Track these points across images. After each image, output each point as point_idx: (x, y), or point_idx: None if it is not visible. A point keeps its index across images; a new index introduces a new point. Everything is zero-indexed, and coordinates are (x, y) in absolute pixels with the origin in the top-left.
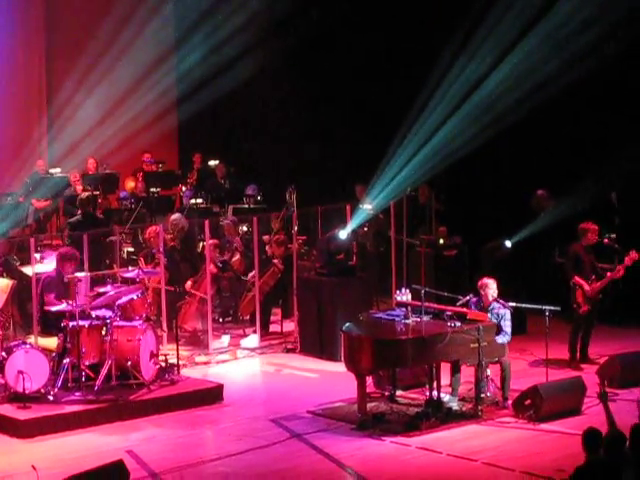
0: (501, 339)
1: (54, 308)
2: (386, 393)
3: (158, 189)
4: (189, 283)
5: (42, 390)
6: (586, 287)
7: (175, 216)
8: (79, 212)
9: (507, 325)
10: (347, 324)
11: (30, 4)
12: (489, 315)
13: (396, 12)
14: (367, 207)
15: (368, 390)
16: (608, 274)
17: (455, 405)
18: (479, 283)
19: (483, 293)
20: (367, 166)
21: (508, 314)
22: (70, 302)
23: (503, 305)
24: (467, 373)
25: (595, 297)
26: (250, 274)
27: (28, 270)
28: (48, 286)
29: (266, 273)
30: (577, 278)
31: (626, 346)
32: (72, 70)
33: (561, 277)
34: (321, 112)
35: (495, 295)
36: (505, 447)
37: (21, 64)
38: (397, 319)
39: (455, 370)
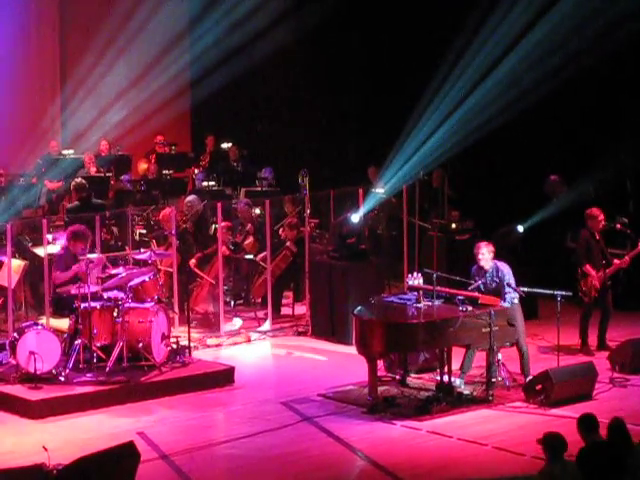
0: (509, 299)
1: (63, 286)
2: (397, 377)
3: (171, 171)
4: (193, 261)
5: (53, 371)
6: (594, 278)
7: (190, 197)
8: (77, 198)
9: (512, 283)
10: (359, 307)
11: None
12: (488, 278)
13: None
14: (380, 191)
15: (379, 374)
16: (615, 261)
17: (466, 389)
18: (474, 249)
19: (479, 257)
20: (380, 149)
21: (508, 274)
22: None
23: (503, 264)
24: (478, 357)
25: (602, 285)
26: (260, 255)
27: (40, 251)
28: (56, 263)
29: (278, 256)
30: (588, 267)
31: (638, 332)
32: (86, 52)
33: (573, 262)
34: (335, 95)
35: (490, 257)
36: (516, 432)
37: (35, 46)
38: (409, 303)
39: (466, 355)
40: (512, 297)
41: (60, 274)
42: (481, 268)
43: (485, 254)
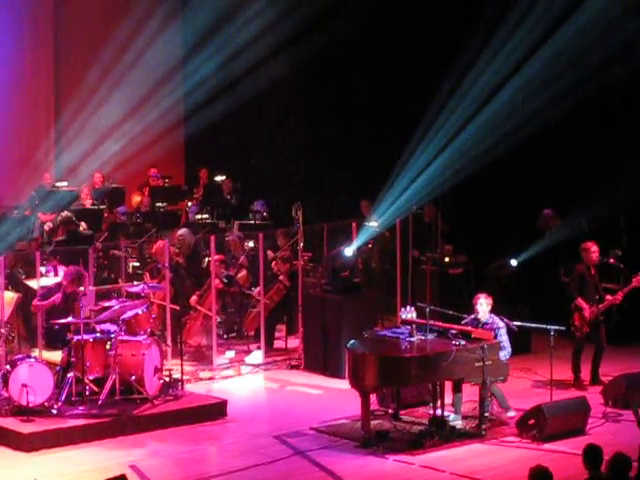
0: (502, 354)
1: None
2: (390, 411)
3: (164, 204)
4: (194, 298)
5: (46, 404)
6: (586, 311)
7: (182, 231)
8: (64, 231)
9: (504, 340)
10: (351, 341)
11: (38, 18)
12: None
13: (406, 30)
14: (373, 224)
15: (372, 408)
16: (608, 297)
17: (459, 424)
18: (473, 299)
19: (476, 308)
20: (373, 183)
21: (503, 329)
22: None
23: (500, 319)
24: (471, 392)
25: (594, 320)
26: (255, 289)
27: (33, 283)
28: (43, 295)
29: (271, 289)
30: (580, 300)
31: (631, 366)
32: (80, 84)
33: (567, 296)
34: (328, 129)
35: (488, 310)
36: (509, 467)
37: (29, 78)
38: (402, 337)
39: (457, 389)
40: (505, 355)
41: (37, 302)
42: (478, 320)
43: (483, 305)
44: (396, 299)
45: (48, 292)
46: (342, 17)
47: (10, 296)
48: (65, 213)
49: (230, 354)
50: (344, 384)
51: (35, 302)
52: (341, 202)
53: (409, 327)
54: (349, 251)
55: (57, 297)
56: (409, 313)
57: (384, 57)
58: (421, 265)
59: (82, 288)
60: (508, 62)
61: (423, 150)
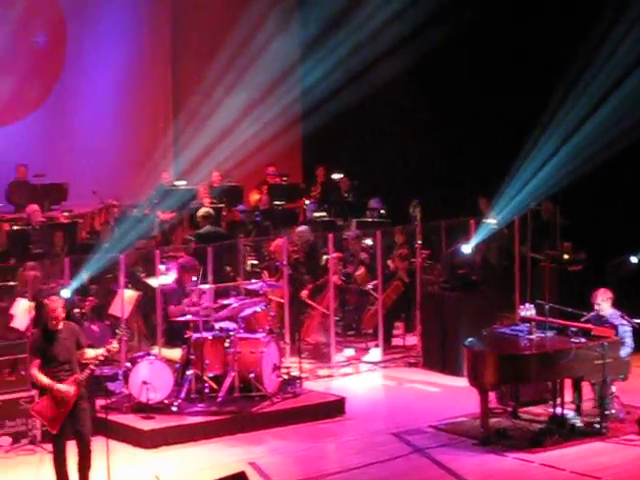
0: (624, 352)
1: (179, 318)
2: (509, 409)
3: (282, 202)
4: (305, 292)
5: (166, 401)
6: None
7: (302, 228)
8: (205, 225)
9: (627, 336)
10: (470, 339)
11: (157, 19)
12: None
13: (527, 23)
14: (491, 221)
15: (491, 405)
16: None
17: (579, 422)
18: (593, 296)
19: (595, 307)
20: (491, 180)
21: (626, 326)
22: (194, 310)
23: (621, 316)
24: (591, 390)
25: None
26: (370, 284)
27: (153, 281)
28: (169, 298)
29: (389, 287)
30: None
31: None
32: (198, 84)
33: None
34: (446, 126)
35: (609, 305)
36: (629, 465)
37: (148, 78)
38: (521, 334)
39: (577, 387)
40: (626, 352)
41: (174, 309)
42: (599, 317)
43: (603, 301)
44: (515, 296)
45: (175, 295)
46: (460, 11)
47: (130, 294)
48: (207, 209)
49: (349, 352)
50: (463, 382)
51: (171, 308)
52: (459, 199)
53: (528, 324)
54: (467, 248)
55: (189, 300)
56: (528, 310)
57: (504, 52)
58: (540, 262)
59: (194, 279)
60: (630, 55)
61: (542, 146)
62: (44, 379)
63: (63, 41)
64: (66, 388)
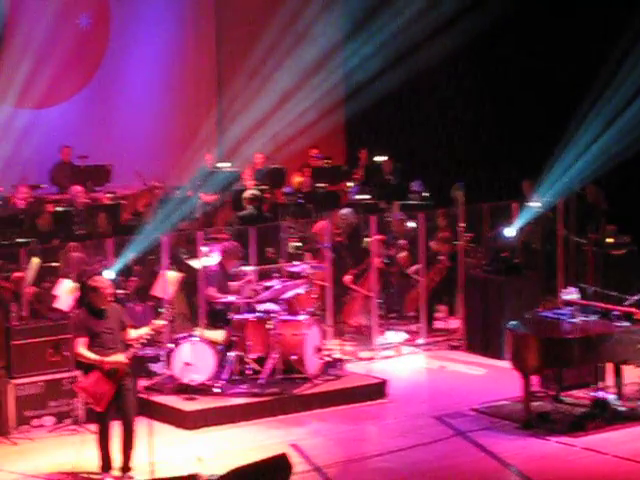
0: None
1: (216, 300)
2: (551, 392)
3: (325, 184)
4: (348, 277)
5: (208, 382)
6: None
7: (345, 210)
8: (249, 207)
9: None
10: (513, 322)
11: (200, 3)
12: None
13: (571, 8)
14: (534, 204)
15: (533, 389)
16: None
17: (621, 406)
18: None
19: None
20: (535, 162)
21: None
22: (236, 295)
23: None
24: (635, 374)
25: None
26: (412, 267)
27: (195, 263)
28: (209, 279)
29: (432, 270)
30: None
31: None
32: (241, 66)
33: None
34: (489, 108)
35: None
36: None
37: (192, 60)
38: (563, 318)
39: (618, 371)
40: None
41: (214, 293)
42: None
43: None
44: (558, 280)
45: (216, 278)
46: None
47: (173, 275)
48: (253, 191)
49: (390, 335)
50: (505, 365)
51: (211, 290)
52: (503, 182)
53: (571, 308)
54: (510, 232)
55: (235, 291)
56: (571, 294)
57: (548, 34)
58: (583, 246)
59: (238, 265)
60: None
61: (587, 129)
62: (92, 355)
63: (107, 23)
64: (116, 358)
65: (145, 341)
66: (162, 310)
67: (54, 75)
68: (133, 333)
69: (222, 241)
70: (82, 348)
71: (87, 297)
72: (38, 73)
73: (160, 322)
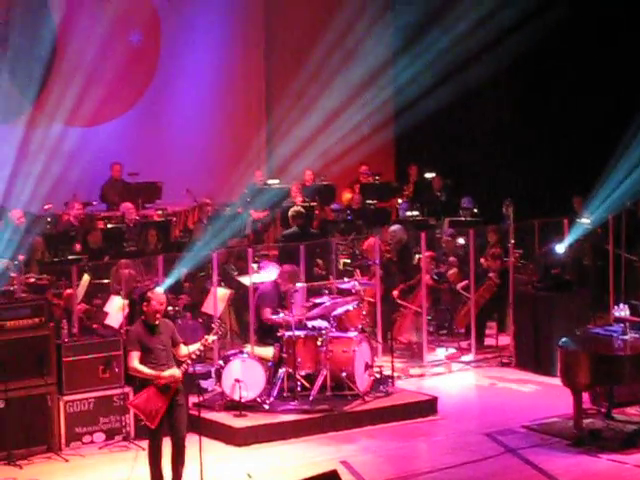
0: None
1: (273, 322)
2: (602, 410)
3: (374, 201)
4: (395, 292)
5: (258, 399)
6: None
7: (395, 227)
8: (294, 225)
9: None
10: (564, 339)
11: (249, 19)
12: None
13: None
14: (585, 221)
15: (584, 406)
16: None
17: None
18: None
19: None
20: (586, 179)
21: None
22: (286, 313)
23: None
24: None
25: None
26: (460, 284)
27: (245, 280)
28: (264, 300)
29: (482, 286)
30: None
31: None
32: (290, 84)
33: None
34: (539, 124)
35: None
36: None
37: (241, 78)
38: (615, 335)
39: None
40: None
41: (269, 315)
42: None
43: None
44: (609, 297)
45: (269, 298)
46: (554, 12)
47: (223, 292)
48: (297, 208)
49: (441, 351)
50: (556, 382)
51: (266, 311)
52: (553, 198)
53: (622, 325)
54: (561, 248)
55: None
56: (622, 311)
57: (599, 49)
58: (634, 263)
59: (294, 288)
60: None
61: (637, 145)
62: (148, 370)
63: (158, 40)
64: (172, 372)
65: (195, 357)
66: (212, 326)
67: (105, 93)
68: (184, 349)
69: (272, 258)
70: (137, 362)
71: (141, 309)
72: (89, 91)
73: (212, 337)
